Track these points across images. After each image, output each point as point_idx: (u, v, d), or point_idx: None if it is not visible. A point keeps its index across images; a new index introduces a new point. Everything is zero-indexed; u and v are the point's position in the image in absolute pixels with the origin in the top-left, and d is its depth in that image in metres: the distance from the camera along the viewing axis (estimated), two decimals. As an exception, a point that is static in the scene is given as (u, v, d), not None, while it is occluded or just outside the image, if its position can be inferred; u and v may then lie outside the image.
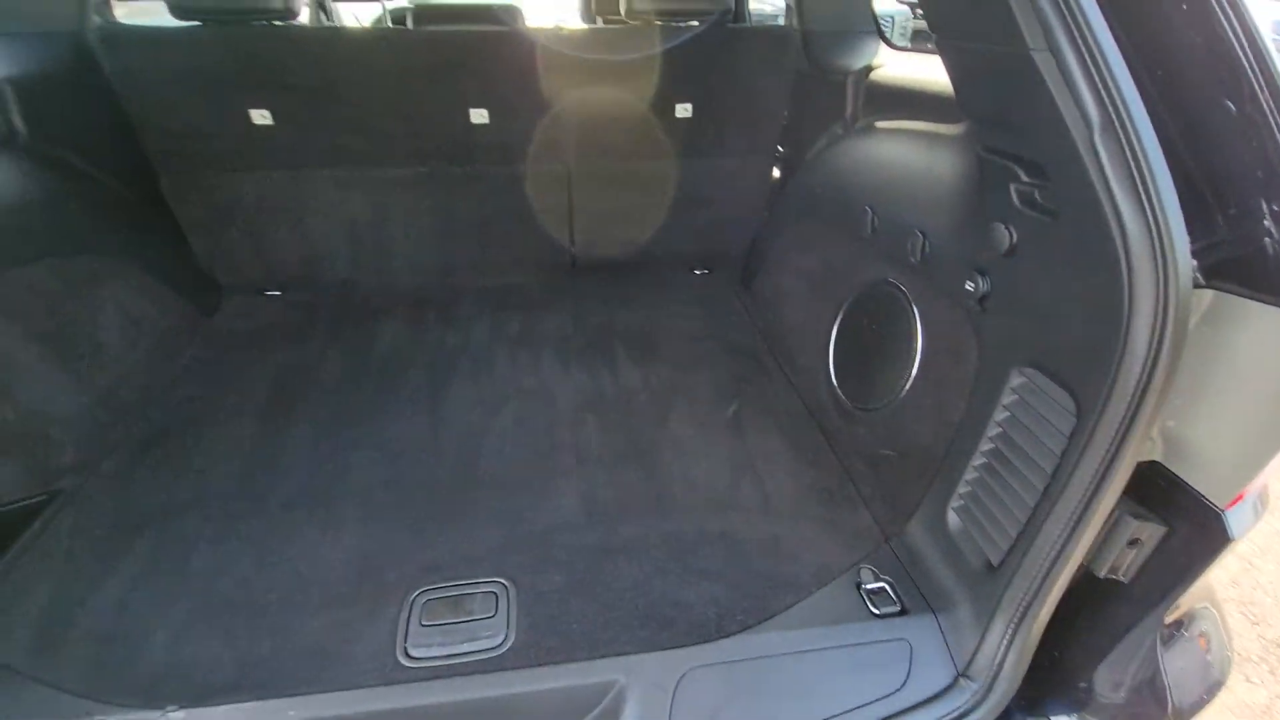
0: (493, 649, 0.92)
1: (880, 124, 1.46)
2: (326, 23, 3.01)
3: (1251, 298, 0.72)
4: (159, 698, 0.85)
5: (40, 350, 1.21)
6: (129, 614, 0.96)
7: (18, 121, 1.36)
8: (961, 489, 1.00)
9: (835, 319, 1.41)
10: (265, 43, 1.64)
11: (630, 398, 1.47)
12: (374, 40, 1.86)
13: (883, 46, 1.70)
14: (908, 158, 1.26)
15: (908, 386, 1.18)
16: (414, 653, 0.91)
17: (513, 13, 2.39)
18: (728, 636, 0.94)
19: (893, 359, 1.22)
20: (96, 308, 1.37)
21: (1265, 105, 0.69)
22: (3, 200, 1.24)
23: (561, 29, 2.03)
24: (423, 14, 2.53)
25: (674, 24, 1.78)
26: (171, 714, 0.82)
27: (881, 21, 1.71)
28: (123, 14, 1.73)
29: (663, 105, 1.86)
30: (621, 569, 1.05)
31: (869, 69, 1.55)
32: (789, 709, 0.88)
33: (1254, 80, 0.69)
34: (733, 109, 1.90)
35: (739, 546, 1.10)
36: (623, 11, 1.77)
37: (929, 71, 1.29)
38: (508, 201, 1.91)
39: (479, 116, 1.77)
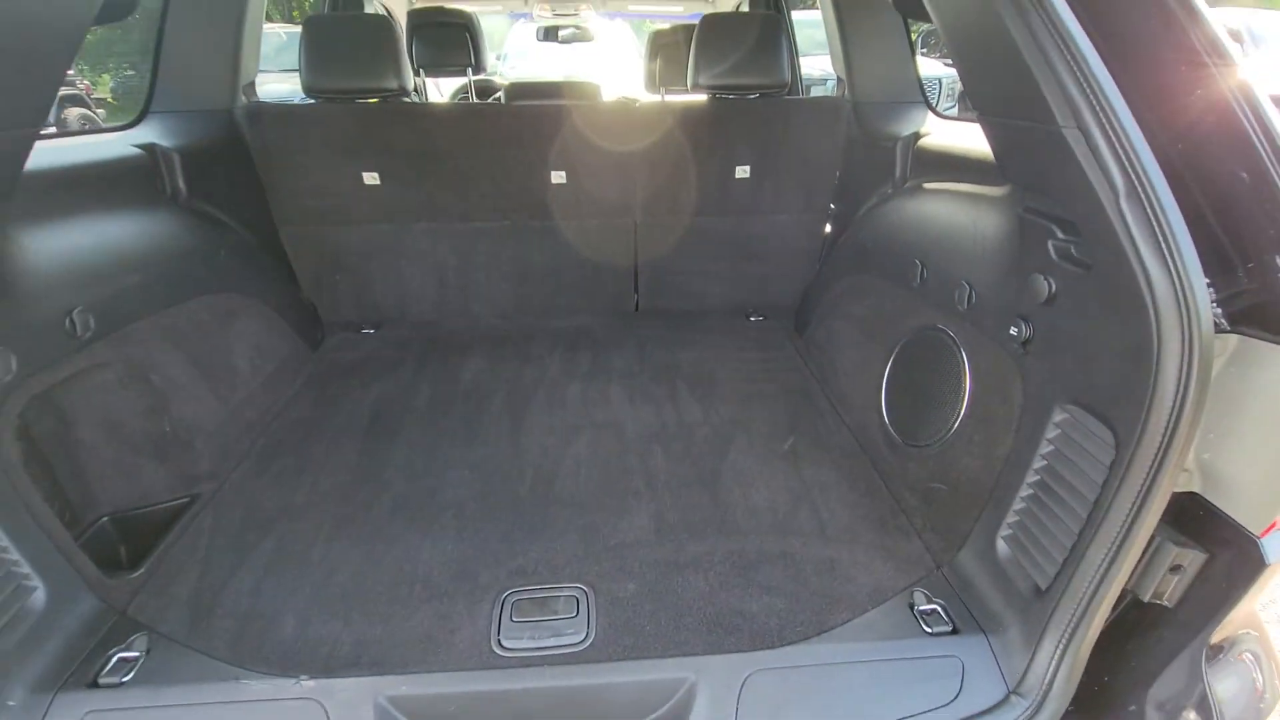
0: (575, 644, 1.02)
1: (928, 185, 1.58)
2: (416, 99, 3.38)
3: (1274, 341, 0.80)
4: (292, 668, 0.98)
5: (193, 373, 1.42)
6: (262, 598, 1.11)
7: (181, 182, 1.62)
8: (1010, 519, 1.07)
9: (887, 362, 1.51)
10: (380, 115, 1.90)
11: (693, 430, 1.59)
12: (472, 113, 2.11)
13: (930, 115, 1.85)
14: (954, 215, 1.38)
15: (957, 424, 1.26)
16: (507, 644, 1.02)
17: (592, 89, 2.65)
18: (789, 645, 1.03)
19: (942, 399, 1.31)
20: (234, 338, 1.59)
21: (1274, 176, 0.79)
22: (170, 246, 1.48)
23: (634, 102, 2.25)
24: (516, 90, 2.83)
25: (733, 96, 1.97)
26: (304, 682, 0.96)
27: (930, 84, 1.86)
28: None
29: (723, 168, 2.04)
30: (689, 581, 1.15)
31: (917, 135, 1.69)
32: (845, 712, 0.95)
33: (1264, 155, 0.80)
34: (788, 171, 2.06)
35: (797, 566, 1.18)
36: (689, 85, 1.97)
37: (973, 139, 1.43)
38: (579, 252, 2.10)
39: (558, 177, 1.99)
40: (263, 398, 1.63)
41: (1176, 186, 0.82)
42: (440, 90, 4.19)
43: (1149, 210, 0.81)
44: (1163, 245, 0.80)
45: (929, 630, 1.05)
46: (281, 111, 1.90)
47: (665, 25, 2.82)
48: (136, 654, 0.99)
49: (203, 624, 1.06)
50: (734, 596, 1.12)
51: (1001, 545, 1.09)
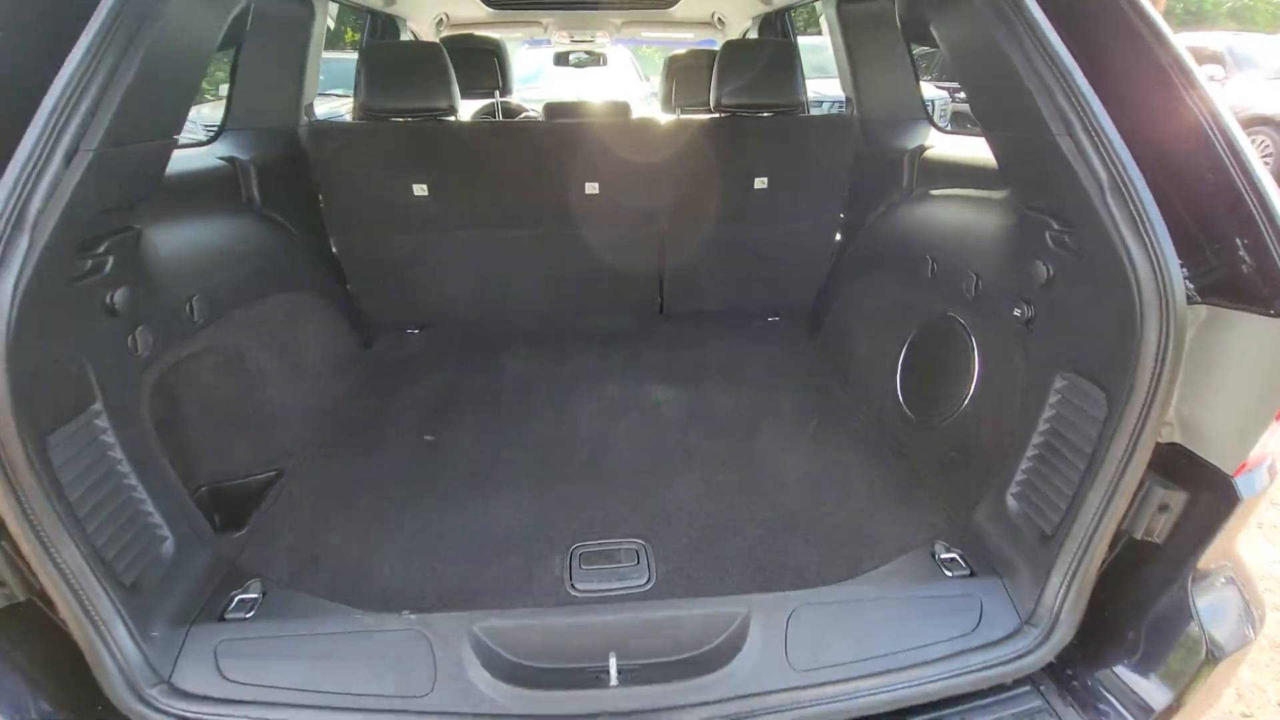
0: (640, 586, 1.16)
1: (934, 192, 1.76)
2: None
3: (1236, 309, 0.95)
4: (395, 604, 1.12)
5: (277, 360, 1.57)
6: (358, 551, 1.25)
7: (255, 192, 1.78)
8: (1018, 477, 1.22)
9: (901, 349, 1.67)
10: (430, 132, 2.07)
11: (724, 414, 1.74)
12: (514, 130, 2.29)
13: (932, 130, 2.03)
14: (961, 216, 1.55)
15: (968, 400, 1.42)
16: (579, 586, 1.16)
17: (623, 108, 2.85)
18: (827, 585, 1.17)
19: (954, 378, 1.47)
20: (306, 332, 1.75)
21: (1234, 176, 0.95)
22: (252, 247, 1.65)
23: (659, 121, 2.44)
24: (553, 109, 3.04)
25: (751, 115, 2.15)
26: (407, 615, 1.09)
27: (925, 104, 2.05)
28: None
29: (743, 179, 2.21)
30: (733, 538, 1.29)
31: (922, 148, 1.87)
32: (879, 640, 1.08)
33: (1223, 155, 0.96)
34: (802, 183, 2.24)
35: (828, 525, 1.32)
36: (711, 104, 2.15)
37: (972, 150, 1.60)
38: (609, 257, 2.26)
39: (591, 189, 2.16)
40: (331, 387, 1.78)
41: (1152, 182, 0.98)
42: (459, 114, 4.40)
43: (1130, 203, 0.97)
44: (1142, 232, 0.96)
45: (949, 574, 1.19)
46: (341, 129, 2.08)
47: (681, 50, 3.02)
48: (254, 595, 1.13)
49: (308, 572, 1.20)
50: (774, 549, 1.26)
51: (1010, 501, 1.23)
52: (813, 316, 2.30)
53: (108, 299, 1.06)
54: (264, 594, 1.14)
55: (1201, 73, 1.00)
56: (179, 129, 1.16)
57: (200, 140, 1.84)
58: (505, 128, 2.29)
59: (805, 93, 2.71)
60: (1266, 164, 8.34)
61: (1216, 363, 0.98)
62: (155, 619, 1.05)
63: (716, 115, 2.18)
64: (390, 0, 2.62)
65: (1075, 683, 1.09)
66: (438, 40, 3.09)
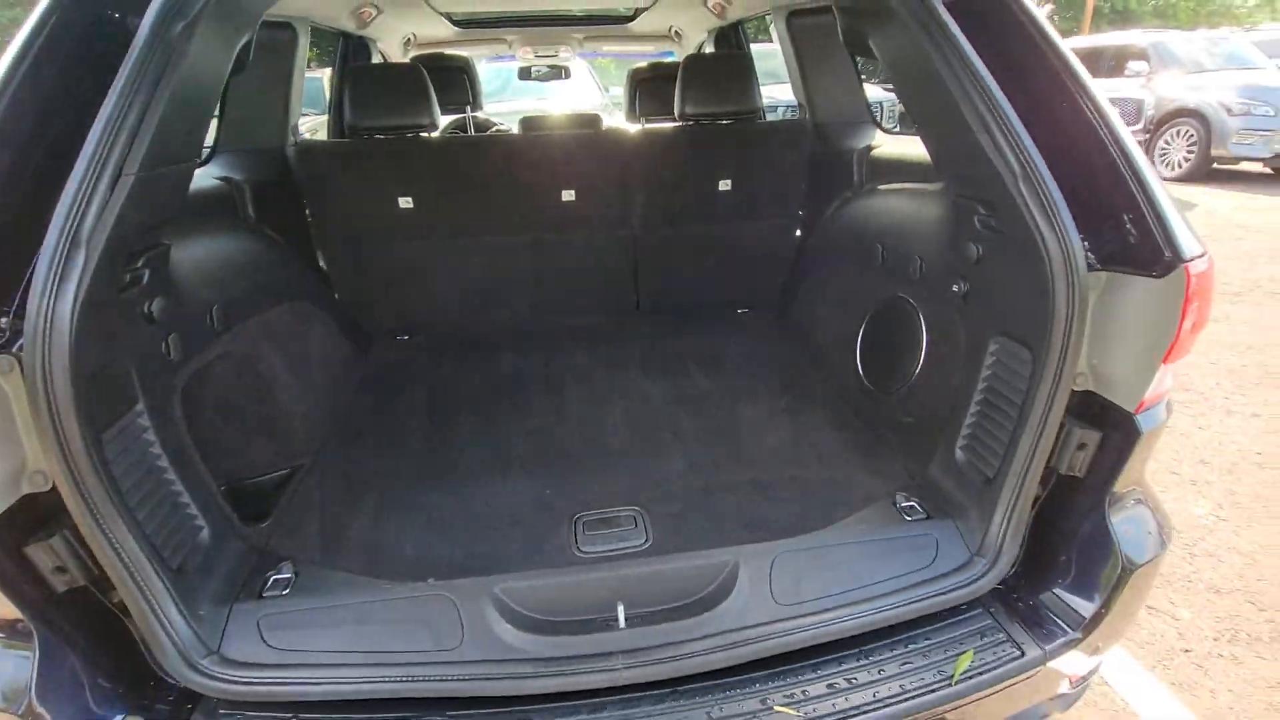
0: (639, 545, 1.30)
1: (882, 187, 1.95)
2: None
3: (1128, 273, 1.14)
4: (420, 575, 1.23)
5: (286, 366, 1.67)
6: (381, 532, 1.36)
7: (250, 209, 1.88)
8: (964, 431, 1.40)
9: (859, 329, 1.85)
10: (413, 148, 2.19)
11: (705, 396, 1.89)
12: (493, 143, 2.43)
13: (877, 131, 2.23)
14: (904, 207, 1.74)
15: (919, 368, 1.60)
16: (585, 549, 1.29)
17: (593, 119, 3.01)
18: (804, 534, 1.32)
19: (906, 351, 1.65)
20: (311, 339, 1.85)
21: (1118, 163, 1.13)
22: (255, 260, 1.75)
23: (628, 131, 2.60)
24: (529, 123, 3.18)
25: (712, 122, 2.32)
26: (432, 582, 1.21)
27: (874, 106, 2.25)
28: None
29: (708, 182, 2.38)
30: (721, 500, 1.44)
31: (869, 147, 2.06)
32: (850, 577, 1.24)
33: (1111, 147, 1.15)
34: (763, 184, 2.42)
35: (804, 485, 1.49)
36: (676, 114, 2.32)
37: (912, 147, 1.80)
38: (588, 259, 2.41)
39: (568, 195, 2.30)
40: (334, 389, 1.89)
41: (1056, 171, 1.17)
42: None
43: (1038, 189, 1.15)
44: (1049, 213, 1.14)
45: (909, 519, 1.36)
46: (327, 148, 2.19)
47: (642, 63, 3.19)
48: (288, 575, 1.23)
49: (336, 553, 1.31)
50: (758, 508, 1.41)
51: (959, 452, 1.41)
52: (780, 306, 2.48)
53: (146, 308, 1.16)
54: (296, 574, 1.24)
55: (1090, 78, 1.20)
56: (200, 152, 1.26)
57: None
58: (485, 141, 2.43)
59: (761, 100, 2.90)
60: (1191, 152, 8.91)
61: (1115, 319, 1.16)
62: (201, 599, 1.15)
63: (681, 124, 2.35)
64: (363, 23, 2.73)
65: (1020, 603, 1.26)
66: (406, 59, 3.21)
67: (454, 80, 2.96)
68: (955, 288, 1.44)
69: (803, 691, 1.08)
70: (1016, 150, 1.16)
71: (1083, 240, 1.15)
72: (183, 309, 1.29)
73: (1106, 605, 1.18)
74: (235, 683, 1.05)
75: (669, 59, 3.76)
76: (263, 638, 1.12)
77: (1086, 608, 1.20)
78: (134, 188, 1.01)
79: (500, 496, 1.46)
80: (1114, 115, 1.16)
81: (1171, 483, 3.05)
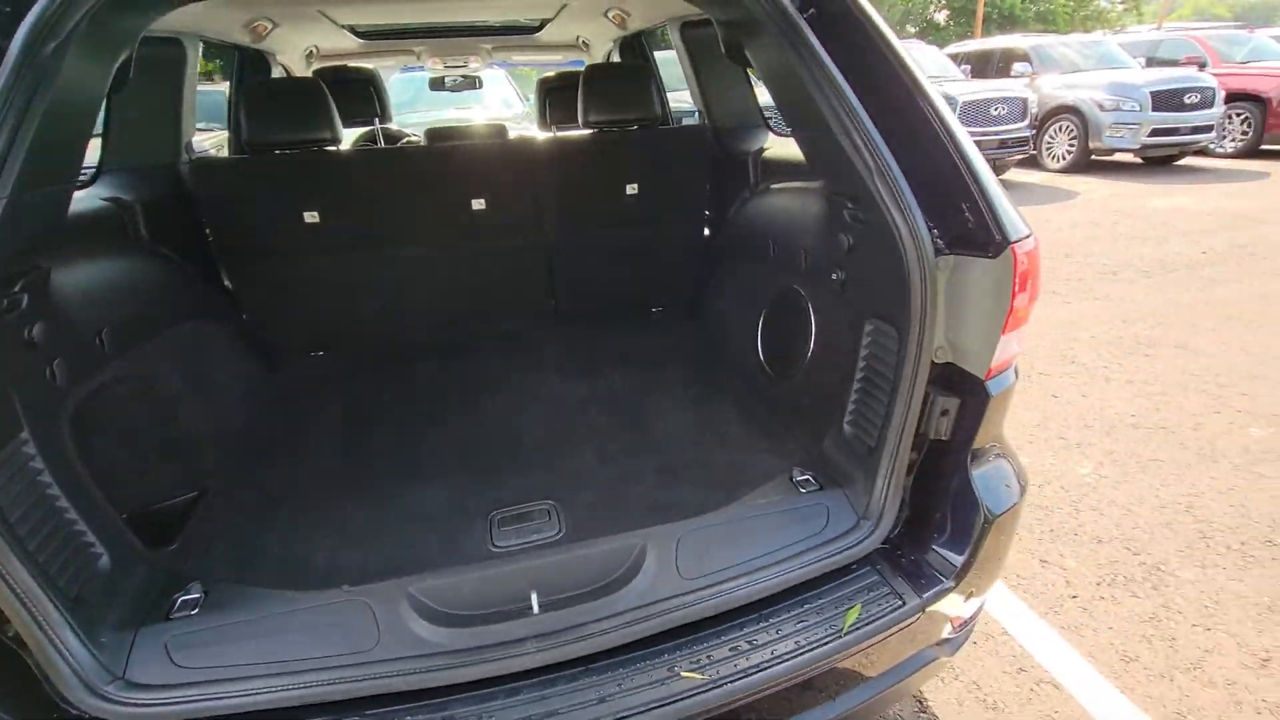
0: (552, 536, 1.35)
1: (774, 186, 2.08)
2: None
3: (970, 255, 1.28)
4: (335, 582, 1.25)
5: (190, 387, 1.63)
6: (295, 545, 1.36)
7: (143, 229, 1.82)
8: (850, 408, 1.53)
9: (759, 320, 1.97)
10: (316, 162, 2.17)
11: (617, 392, 1.97)
12: (398, 155, 2.43)
13: (769, 134, 2.37)
14: (790, 205, 1.87)
15: (810, 354, 1.72)
16: (499, 544, 1.34)
17: (500, 129, 3.03)
18: (708, 512, 1.41)
19: (799, 338, 1.77)
20: (209, 360, 1.81)
21: (956, 160, 1.28)
22: (150, 281, 1.70)
23: (535, 139, 2.65)
24: (434, 133, 3.16)
25: (617, 129, 2.40)
26: (346, 589, 1.22)
27: (767, 112, 2.39)
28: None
29: (616, 187, 2.46)
30: (631, 488, 1.51)
31: (761, 149, 2.20)
32: (749, 549, 1.34)
33: (949, 148, 1.29)
34: (669, 187, 2.52)
35: (709, 467, 1.58)
36: (580, 122, 2.39)
37: (796, 149, 1.93)
38: (503, 266, 2.44)
39: (479, 205, 2.33)
40: (241, 410, 1.85)
41: (906, 167, 1.30)
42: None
43: (890, 184, 1.28)
44: (900, 205, 1.28)
45: (803, 491, 1.48)
46: (224, 164, 2.14)
47: (551, 72, 3.25)
48: (197, 595, 1.22)
49: (248, 569, 1.30)
50: (666, 492, 1.49)
51: (847, 427, 1.53)
52: (691, 304, 2.59)
53: (26, 333, 1.13)
54: (206, 593, 1.23)
55: (931, 85, 1.34)
56: (78, 174, 1.24)
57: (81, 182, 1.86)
58: (390, 153, 2.43)
59: (665, 106, 3.01)
60: (1073, 145, 9.67)
61: (964, 297, 1.30)
62: (103, 626, 1.13)
63: (586, 131, 2.42)
64: (259, 37, 2.67)
65: (904, 559, 1.39)
66: (309, 73, 3.15)
67: (359, 92, 2.93)
68: (834, 276, 1.57)
69: (707, 656, 1.16)
70: (870, 150, 1.29)
71: (932, 228, 1.29)
72: (67, 333, 1.26)
73: (973, 553, 1.31)
74: (142, 705, 1.04)
75: (580, 68, 3.83)
76: (171, 659, 1.11)
77: (957, 558, 1.33)
78: (7, 210, 0.99)
79: (416, 502, 1.48)
80: (950, 117, 1.30)
81: (1059, 446, 3.34)
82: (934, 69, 10.33)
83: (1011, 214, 1.24)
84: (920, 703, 2.04)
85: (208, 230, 2.13)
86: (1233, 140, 10.59)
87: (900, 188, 1.25)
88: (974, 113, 8.83)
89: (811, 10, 1.40)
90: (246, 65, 3.18)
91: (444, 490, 1.52)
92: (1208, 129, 9.63)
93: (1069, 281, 5.67)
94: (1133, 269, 5.89)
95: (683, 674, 1.13)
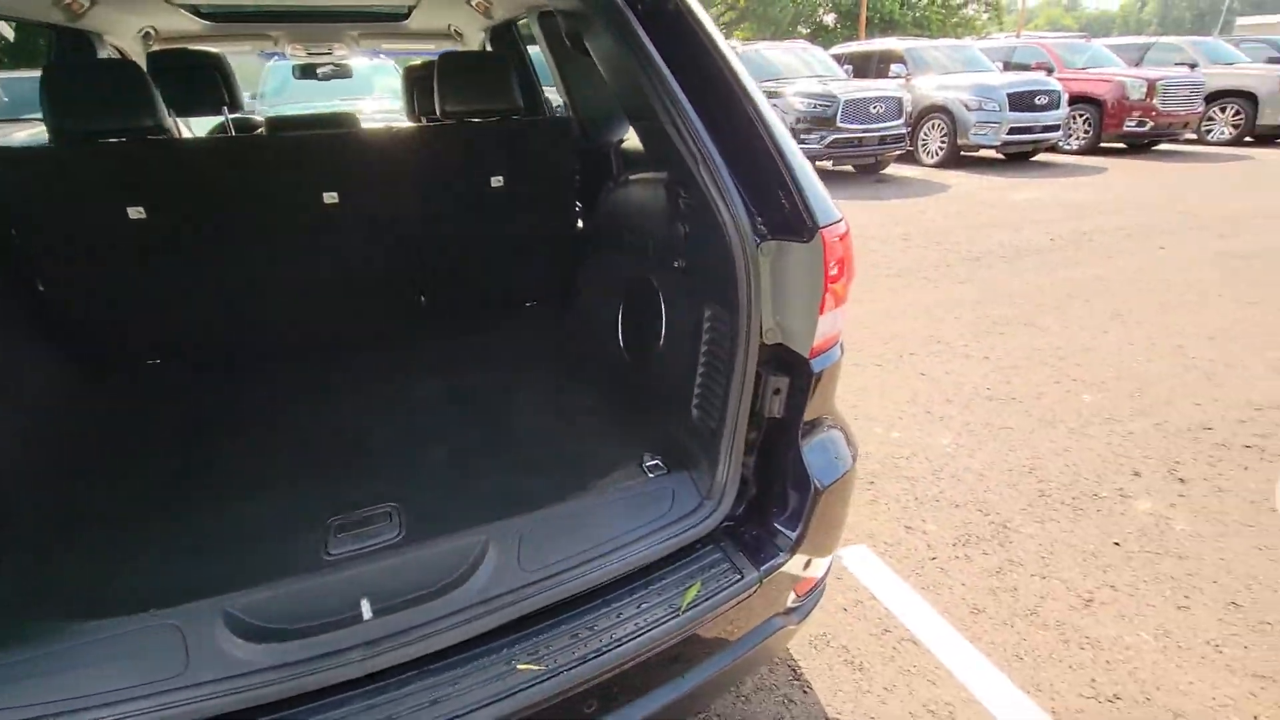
0: (391, 539, 1.31)
1: (632, 177, 2.10)
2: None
3: (788, 240, 1.34)
4: (141, 606, 1.14)
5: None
6: (99, 571, 1.23)
7: None
8: (696, 391, 1.56)
9: (619, 308, 1.98)
10: (137, 153, 1.98)
11: (478, 389, 1.93)
12: (234, 145, 2.25)
13: (629, 124, 2.39)
14: (642, 194, 1.89)
15: (663, 339, 1.75)
16: (333, 551, 1.27)
17: (351, 118, 2.87)
18: (555, 504, 1.41)
19: (652, 326, 1.80)
20: (21, 376, 1.60)
21: (772, 151, 1.33)
22: None
23: (393, 128, 2.54)
24: (276, 123, 2.95)
25: (479, 120, 2.35)
26: (153, 612, 1.13)
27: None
28: None
29: (480, 179, 2.40)
30: (480, 483, 1.48)
31: (621, 140, 2.21)
32: (594, 535, 1.34)
33: (767, 142, 1.34)
34: (536, 178, 2.49)
35: (561, 458, 1.57)
36: (438, 112, 2.32)
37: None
38: (364, 263, 2.33)
39: (330, 198, 2.21)
40: (55, 426, 1.66)
41: (731, 157, 1.34)
42: (193, 132, 4.06)
43: (712, 172, 1.32)
44: (723, 192, 1.32)
45: (651, 475, 1.50)
46: (27, 157, 1.90)
47: (417, 61, 3.13)
48: None
49: (44, 600, 1.17)
50: (515, 485, 1.47)
51: (694, 410, 1.57)
52: (564, 297, 2.57)
53: None
54: None
55: (752, 82, 1.39)
56: None
57: None
58: (227, 144, 2.25)
59: (539, 97, 2.96)
60: (945, 142, 10.44)
61: (786, 280, 1.37)
62: None
63: (446, 122, 2.35)
64: (74, 15, 2.41)
65: (746, 535, 1.44)
66: (148, 56, 2.87)
67: (203, 78, 2.69)
68: (677, 264, 1.60)
69: (546, 646, 1.16)
70: (694, 139, 1.32)
71: (756, 214, 1.34)
72: None
73: (806, 525, 1.38)
74: None
75: None
76: None
77: (792, 532, 1.40)
78: None
79: (247, 515, 1.38)
80: (768, 109, 1.36)
81: (925, 420, 3.59)
82: (821, 69, 10.84)
83: (823, 200, 1.31)
84: (794, 670, 2.13)
85: (13, 231, 1.90)
86: (1077, 138, 11.79)
87: (722, 176, 1.29)
88: (855, 111, 9.34)
89: (641, 3, 1.42)
90: (67, 48, 2.86)
91: (279, 500, 1.43)
92: (1056, 128, 10.66)
93: (939, 267, 6.10)
94: (993, 255, 6.43)
95: (519, 666, 1.12)
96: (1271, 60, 12.86)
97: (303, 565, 1.24)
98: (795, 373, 1.39)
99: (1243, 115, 12.14)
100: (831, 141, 9.34)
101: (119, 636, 1.10)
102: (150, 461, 1.59)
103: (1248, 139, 12.47)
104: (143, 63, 2.80)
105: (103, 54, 2.99)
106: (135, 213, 1.99)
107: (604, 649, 1.15)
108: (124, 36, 3.08)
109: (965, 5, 30.33)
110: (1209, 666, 2.05)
